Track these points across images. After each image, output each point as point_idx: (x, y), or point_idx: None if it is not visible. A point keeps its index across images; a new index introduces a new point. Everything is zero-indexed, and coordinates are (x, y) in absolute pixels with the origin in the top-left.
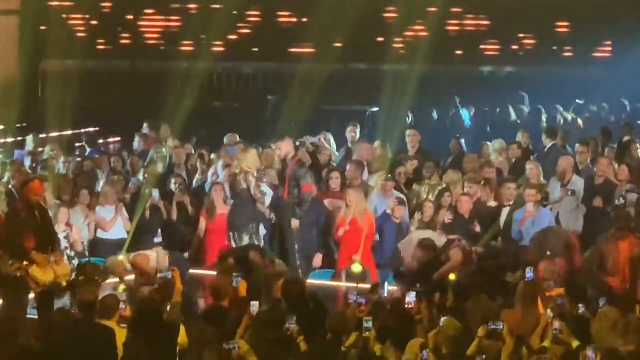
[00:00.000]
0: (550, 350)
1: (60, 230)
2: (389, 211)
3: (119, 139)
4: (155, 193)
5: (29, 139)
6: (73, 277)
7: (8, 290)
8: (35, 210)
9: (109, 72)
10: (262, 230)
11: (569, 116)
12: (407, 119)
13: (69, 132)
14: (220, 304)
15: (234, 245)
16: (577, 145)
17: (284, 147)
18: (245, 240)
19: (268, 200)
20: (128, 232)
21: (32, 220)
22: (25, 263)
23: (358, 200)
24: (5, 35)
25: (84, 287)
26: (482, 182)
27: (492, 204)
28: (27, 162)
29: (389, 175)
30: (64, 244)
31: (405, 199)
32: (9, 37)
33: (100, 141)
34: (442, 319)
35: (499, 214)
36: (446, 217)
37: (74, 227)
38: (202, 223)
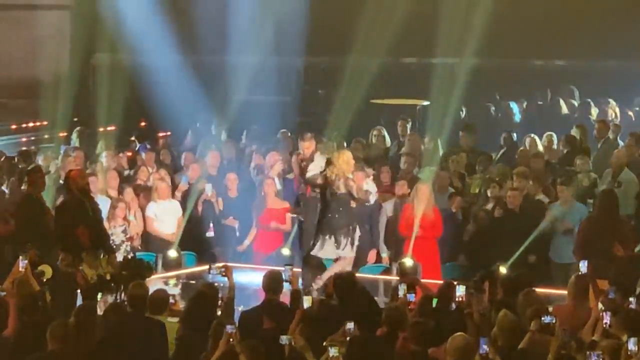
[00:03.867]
0: (601, 345)
1: (118, 224)
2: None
3: (169, 133)
4: (208, 187)
5: (74, 134)
6: (120, 272)
7: (57, 286)
8: (85, 203)
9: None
10: (357, 232)
11: (618, 110)
12: (461, 113)
13: (119, 127)
14: (275, 297)
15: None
16: (628, 138)
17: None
18: (343, 242)
19: (373, 199)
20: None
21: (82, 213)
22: (76, 259)
23: (428, 194)
24: (56, 30)
25: (132, 282)
26: (531, 176)
27: (541, 197)
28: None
29: (442, 169)
30: (121, 237)
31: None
32: (60, 32)
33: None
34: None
35: (546, 208)
36: (496, 211)
37: (131, 222)
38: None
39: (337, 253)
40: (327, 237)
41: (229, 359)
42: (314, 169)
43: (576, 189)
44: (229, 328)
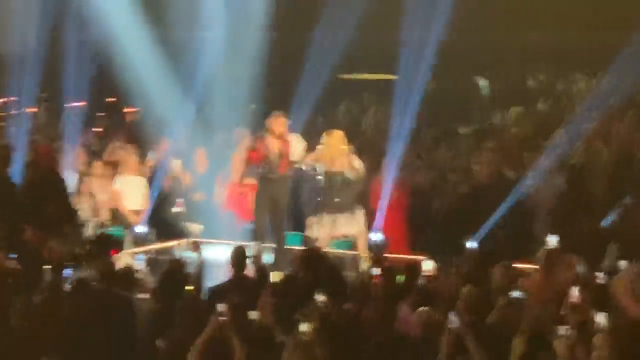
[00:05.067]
0: (569, 319)
1: (84, 200)
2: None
3: (138, 109)
4: (176, 163)
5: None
6: (88, 247)
7: (23, 260)
8: (53, 179)
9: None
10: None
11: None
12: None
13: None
14: (241, 272)
15: None
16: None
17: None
18: (355, 218)
19: None
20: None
21: (50, 188)
22: (44, 235)
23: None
24: (23, 5)
25: (101, 258)
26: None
27: (510, 173)
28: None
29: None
30: (88, 213)
31: None
32: (27, 6)
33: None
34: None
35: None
36: (464, 186)
37: (100, 197)
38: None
39: (351, 229)
40: (335, 215)
41: (219, 337)
42: (295, 150)
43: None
44: (220, 306)
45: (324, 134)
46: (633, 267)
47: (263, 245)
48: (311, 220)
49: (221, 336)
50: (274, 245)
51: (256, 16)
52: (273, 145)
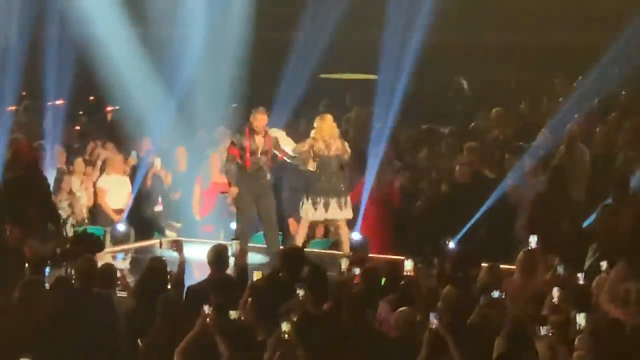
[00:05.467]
0: (550, 319)
1: (64, 198)
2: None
3: (117, 107)
4: (157, 161)
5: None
6: (68, 246)
7: (3, 259)
8: (34, 177)
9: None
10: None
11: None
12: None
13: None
14: (221, 271)
15: None
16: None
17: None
18: (343, 203)
19: None
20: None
21: (31, 186)
22: (25, 233)
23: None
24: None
25: (81, 256)
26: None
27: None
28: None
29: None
30: (67, 212)
31: None
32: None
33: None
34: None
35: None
36: (443, 186)
37: (79, 196)
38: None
39: (341, 214)
40: (329, 199)
41: (204, 338)
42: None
43: None
44: (206, 307)
45: (317, 118)
46: (613, 270)
47: (249, 245)
48: (305, 204)
49: (206, 337)
50: (259, 245)
51: (237, 15)
52: (257, 141)
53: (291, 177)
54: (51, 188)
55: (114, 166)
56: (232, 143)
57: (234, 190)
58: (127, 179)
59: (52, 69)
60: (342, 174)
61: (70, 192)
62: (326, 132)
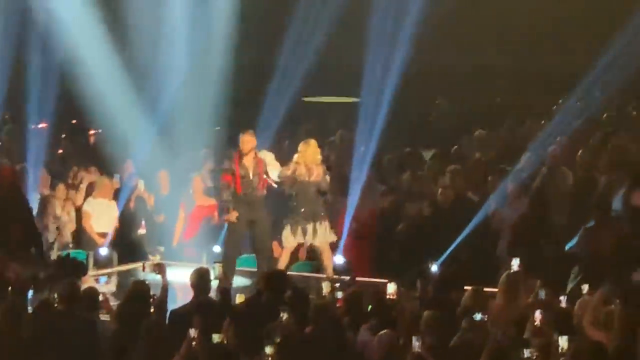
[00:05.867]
0: (533, 342)
1: (50, 222)
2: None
3: (100, 130)
4: (141, 184)
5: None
6: (52, 270)
7: None
8: (17, 200)
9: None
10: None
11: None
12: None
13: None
14: (204, 294)
15: None
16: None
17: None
18: (326, 227)
19: None
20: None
21: (14, 209)
22: (7, 255)
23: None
24: None
25: (64, 280)
26: (463, 174)
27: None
28: None
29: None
30: (53, 235)
31: None
32: None
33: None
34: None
35: (476, 206)
36: (426, 209)
37: (63, 219)
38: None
39: (321, 238)
40: (314, 224)
41: None
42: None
43: None
44: (192, 331)
45: (302, 143)
46: (596, 293)
47: (237, 268)
48: (284, 230)
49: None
50: (243, 268)
51: (220, 38)
52: (247, 164)
53: (273, 202)
54: (34, 212)
55: (100, 190)
56: (225, 170)
57: (234, 214)
58: (114, 204)
59: (34, 92)
60: (319, 200)
61: (54, 217)
62: (309, 158)
